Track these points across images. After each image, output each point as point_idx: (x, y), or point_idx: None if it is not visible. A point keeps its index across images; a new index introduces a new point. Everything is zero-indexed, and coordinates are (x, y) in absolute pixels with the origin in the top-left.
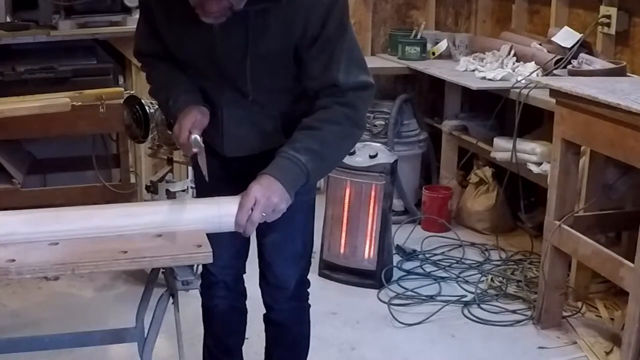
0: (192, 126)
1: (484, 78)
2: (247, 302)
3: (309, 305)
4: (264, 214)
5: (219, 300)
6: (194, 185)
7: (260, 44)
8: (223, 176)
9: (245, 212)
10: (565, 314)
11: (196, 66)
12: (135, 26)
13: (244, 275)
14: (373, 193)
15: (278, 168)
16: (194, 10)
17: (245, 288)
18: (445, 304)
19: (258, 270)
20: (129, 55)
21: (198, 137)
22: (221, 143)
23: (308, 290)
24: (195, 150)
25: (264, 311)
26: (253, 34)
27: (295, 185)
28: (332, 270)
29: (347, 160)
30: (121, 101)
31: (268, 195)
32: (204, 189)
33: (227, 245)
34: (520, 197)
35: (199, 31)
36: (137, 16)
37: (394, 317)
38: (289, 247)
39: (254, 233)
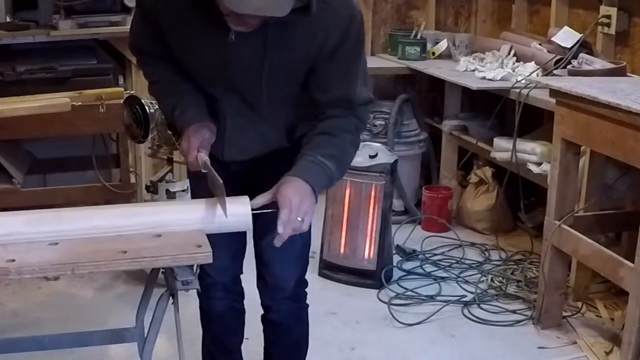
0: (200, 145)
1: (484, 78)
2: (246, 302)
3: (307, 305)
4: (299, 218)
5: (217, 301)
6: None
7: (277, 56)
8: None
9: (288, 213)
10: (565, 314)
11: (204, 73)
12: None
13: (242, 276)
14: (373, 193)
15: (309, 174)
16: (223, 16)
17: (242, 288)
18: (445, 304)
19: (255, 270)
20: (129, 55)
21: (207, 159)
22: (221, 149)
23: (306, 290)
24: (203, 170)
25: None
26: (272, 46)
27: (320, 191)
28: (332, 270)
29: None
30: (121, 101)
31: (301, 200)
32: (200, 193)
33: (225, 247)
34: (520, 197)
35: (212, 39)
36: None
37: (394, 317)
38: (288, 248)
39: (251, 233)
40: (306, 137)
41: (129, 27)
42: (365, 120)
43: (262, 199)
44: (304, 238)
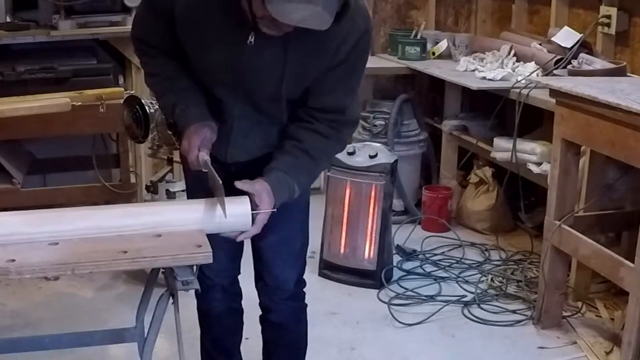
0: (201, 144)
1: (484, 78)
2: (245, 302)
3: (306, 305)
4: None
5: (216, 302)
6: None
7: (296, 62)
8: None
9: (254, 232)
10: (565, 314)
11: (216, 76)
12: None
13: (240, 277)
14: (373, 193)
15: (280, 196)
16: (255, 18)
17: (240, 288)
18: (445, 304)
19: (253, 271)
20: (129, 55)
21: (207, 158)
22: (225, 151)
23: (304, 289)
24: (204, 170)
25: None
26: (293, 52)
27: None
28: (332, 270)
29: (347, 160)
30: (121, 101)
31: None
32: (196, 191)
33: (223, 249)
34: (520, 197)
35: (229, 40)
36: None
37: (394, 317)
38: (288, 248)
39: None
40: (288, 142)
41: (129, 27)
42: (345, 144)
43: (242, 186)
44: (303, 238)
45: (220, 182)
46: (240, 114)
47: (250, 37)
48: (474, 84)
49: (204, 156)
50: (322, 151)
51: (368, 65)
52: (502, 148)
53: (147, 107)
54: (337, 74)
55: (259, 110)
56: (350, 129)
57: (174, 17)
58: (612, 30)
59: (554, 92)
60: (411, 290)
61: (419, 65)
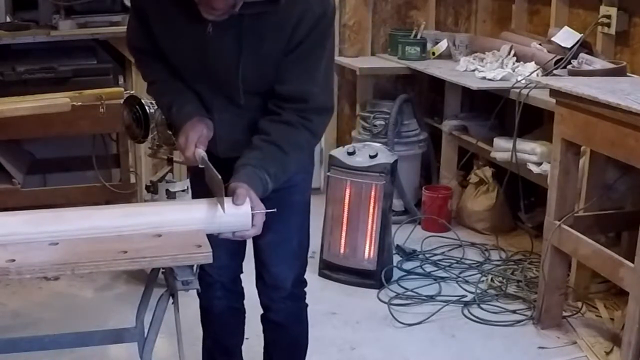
0: (198, 141)
1: (484, 78)
2: (246, 302)
3: (307, 305)
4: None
5: (217, 301)
6: None
7: (252, 48)
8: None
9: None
10: (565, 314)
11: (188, 69)
12: None
13: (242, 276)
14: (373, 193)
15: (255, 191)
16: (197, 5)
17: (242, 288)
18: (445, 304)
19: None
20: (129, 55)
21: (204, 154)
22: (215, 145)
23: (305, 289)
24: (200, 166)
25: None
26: (246, 38)
27: None
28: (332, 270)
29: (347, 160)
30: (121, 101)
31: None
32: (200, 190)
33: (223, 245)
34: (520, 197)
35: (192, 35)
36: None
37: (394, 317)
38: (284, 247)
39: None
40: (256, 137)
41: None
42: (318, 134)
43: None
44: (300, 238)
45: (219, 177)
46: (219, 107)
47: (208, 27)
48: (474, 84)
49: (201, 153)
50: (290, 141)
51: (368, 65)
52: (502, 148)
53: (147, 107)
54: (296, 58)
55: (234, 103)
56: (320, 117)
57: (148, 15)
58: (612, 30)
59: (554, 92)
60: (411, 290)
61: (419, 65)
